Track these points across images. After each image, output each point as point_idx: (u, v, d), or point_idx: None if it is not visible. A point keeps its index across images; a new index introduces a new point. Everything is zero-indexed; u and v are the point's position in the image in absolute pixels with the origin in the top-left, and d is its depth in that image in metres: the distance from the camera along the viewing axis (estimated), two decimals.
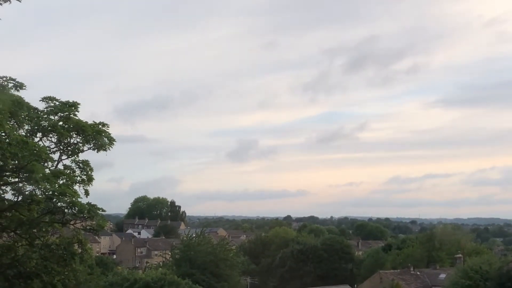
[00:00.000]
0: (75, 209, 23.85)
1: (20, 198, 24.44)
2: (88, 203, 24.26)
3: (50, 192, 22.87)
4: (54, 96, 26.15)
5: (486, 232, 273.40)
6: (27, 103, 24.83)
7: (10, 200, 24.81)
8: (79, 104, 26.20)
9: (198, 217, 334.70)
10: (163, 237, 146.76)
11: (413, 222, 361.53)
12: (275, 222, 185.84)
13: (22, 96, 24.11)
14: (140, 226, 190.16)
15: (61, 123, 25.80)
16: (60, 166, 25.50)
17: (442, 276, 68.67)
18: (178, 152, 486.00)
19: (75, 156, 26.06)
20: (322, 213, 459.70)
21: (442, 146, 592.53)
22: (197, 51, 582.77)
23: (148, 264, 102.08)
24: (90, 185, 25.40)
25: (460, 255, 74.60)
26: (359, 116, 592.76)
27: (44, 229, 25.49)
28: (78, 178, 25.23)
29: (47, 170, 23.55)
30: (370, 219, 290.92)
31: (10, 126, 22.43)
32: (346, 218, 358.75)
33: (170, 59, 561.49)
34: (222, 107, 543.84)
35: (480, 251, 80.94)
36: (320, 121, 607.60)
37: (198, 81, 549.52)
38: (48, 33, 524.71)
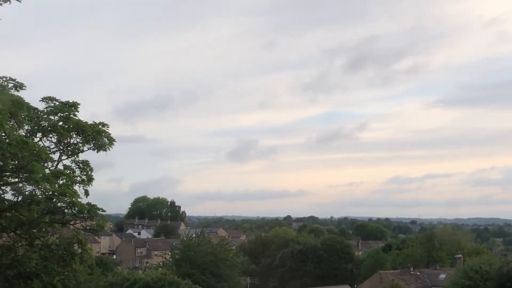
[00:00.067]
0: (75, 209, 23.84)
1: (20, 198, 24.43)
2: (88, 203, 24.26)
3: (50, 192, 22.86)
4: (54, 96, 26.18)
5: (486, 232, 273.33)
6: (27, 103, 24.82)
7: (10, 200, 24.80)
8: (79, 104, 26.22)
9: (198, 217, 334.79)
10: (163, 237, 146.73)
11: (413, 222, 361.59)
12: (275, 222, 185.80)
13: (22, 96, 24.13)
14: (140, 226, 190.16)
15: (61, 123, 25.80)
16: (60, 166, 25.53)
17: (442, 276, 68.66)
18: (178, 152, 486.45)
19: (75, 156, 26.06)
20: (322, 213, 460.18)
21: (442, 146, 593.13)
22: (197, 51, 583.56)
23: (148, 264, 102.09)
24: (90, 185, 25.43)
25: (460, 255, 74.58)
26: (359, 116, 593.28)
27: (44, 229, 25.49)
28: (78, 178, 25.23)
29: (47, 170, 23.54)
30: (370, 219, 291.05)
31: (10, 126, 22.43)
32: (346, 218, 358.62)
33: (170, 59, 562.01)
34: (222, 107, 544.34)
35: (480, 251, 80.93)
36: (320, 121, 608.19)
37: (198, 81, 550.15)
38: (48, 33, 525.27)
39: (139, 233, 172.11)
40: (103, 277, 52.82)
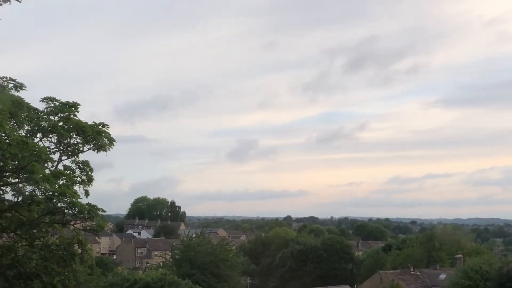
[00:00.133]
0: (75, 210, 23.84)
1: (20, 199, 24.43)
2: (88, 204, 24.26)
3: (50, 193, 22.86)
4: (54, 97, 26.18)
5: (486, 232, 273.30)
6: (27, 103, 24.83)
7: (10, 200, 24.81)
8: (79, 104, 26.22)
9: (198, 218, 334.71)
10: (163, 238, 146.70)
11: (413, 222, 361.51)
12: (275, 223, 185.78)
13: (22, 97, 24.16)
14: (140, 226, 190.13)
15: (61, 123, 25.80)
16: (60, 167, 25.53)
17: (442, 276, 68.66)
18: (178, 152, 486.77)
19: (75, 156, 26.07)
20: (322, 213, 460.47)
21: (442, 146, 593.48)
22: (197, 51, 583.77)
23: (148, 264, 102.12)
24: (90, 186, 25.42)
25: (460, 255, 74.57)
26: (359, 116, 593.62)
27: (44, 230, 25.49)
28: (78, 178, 25.23)
29: (47, 171, 23.55)
30: (370, 219, 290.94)
31: (10, 127, 22.44)
32: (346, 218, 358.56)
33: (170, 59, 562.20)
34: (222, 107, 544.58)
35: (480, 251, 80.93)
36: (320, 121, 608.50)
37: (198, 81, 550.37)
38: (48, 33, 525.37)
39: (139, 234, 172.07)
40: (103, 277, 52.82)
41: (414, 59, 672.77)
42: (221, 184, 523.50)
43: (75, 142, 26.16)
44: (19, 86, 23.92)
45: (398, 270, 73.62)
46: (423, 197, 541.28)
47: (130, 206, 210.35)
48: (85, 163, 25.83)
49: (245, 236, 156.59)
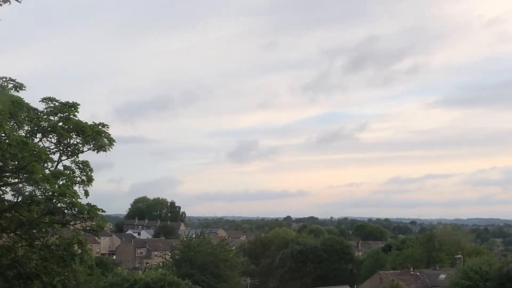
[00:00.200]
0: (75, 210, 23.86)
1: (20, 199, 24.44)
2: (88, 204, 24.27)
3: (50, 193, 22.87)
4: (53, 97, 26.18)
5: (486, 233, 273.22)
6: (27, 103, 24.84)
7: (10, 200, 24.81)
8: (78, 104, 26.21)
9: (198, 218, 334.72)
10: (163, 238, 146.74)
11: (413, 222, 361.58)
12: (275, 223, 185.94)
13: (22, 97, 24.18)
14: (140, 226, 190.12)
15: (61, 123, 25.79)
16: (60, 167, 25.52)
17: (442, 276, 68.66)
18: (178, 152, 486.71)
19: (75, 156, 26.07)
20: (322, 214, 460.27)
21: (442, 146, 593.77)
22: (197, 51, 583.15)
23: (148, 264, 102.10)
24: (90, 186, 25.42)
25: (460, 255, 74.56)
26: (359, 117, 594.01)
27: (44, 230, 25.49)
28: (78, 178, 25.23)
29: (47, 171, 23.56)
30: (370, 220, 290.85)
31: (10, 127, 22.44)
32: (346, 218, 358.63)
33: (170, 59, 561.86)
34: (222, 107, 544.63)
35: (480, 252, 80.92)
36: (320, 122, 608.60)
37: (198, 81, 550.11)
38: (48, 33, 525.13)
39: (139, 234, 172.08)
40: (103, 277, 52.82)
41: (414, 59, 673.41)
42: (221, 185, 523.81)
43: (75, 142, 26.16)
44: (19, 86, 23.94)
45: (398, 271, 73.62)
46: (423, 197, 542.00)
47: (130, 206, 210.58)
48: (85, 163, 25.83)
49: (245, 237, 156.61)
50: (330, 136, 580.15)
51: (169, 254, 74.71)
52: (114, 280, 48.22)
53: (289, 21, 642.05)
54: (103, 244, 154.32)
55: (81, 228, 26.09)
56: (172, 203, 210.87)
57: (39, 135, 25.68)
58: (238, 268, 70.25)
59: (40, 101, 25.88)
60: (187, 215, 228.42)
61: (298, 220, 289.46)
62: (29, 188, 23.66)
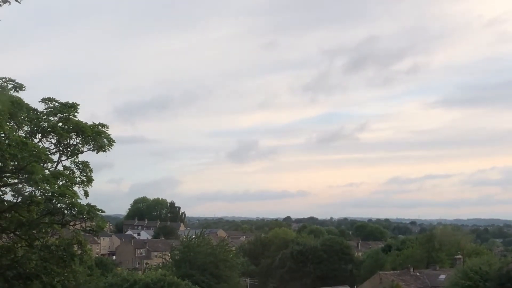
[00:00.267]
0: (74, 210, 23.84)
1: (19, 199, 24.42)
2: (88, 204, 24.24)
3: (50, 193, 22.86)
4: (53, 97, 26.16)
5: (485, 233, 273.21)
6: (27, 104, 24.83)
7: (10, 201, 24.79)
8: (78, 105, 26.19)
9: (198, 218, 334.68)
10: (163, 238, 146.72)
11: (413, 223, 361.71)
12: (275, 223, 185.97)
13: (21, 97, 24.16)
14: (139, 227, 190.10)
15: (60, 124, 25.77)
16: (60, 167, 25.50)
17: (442, 277, 68.65)
18: (178, 152, 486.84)
19: (75, 157, 26.04)
20: (321, 214, 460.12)
21: (442, 147, 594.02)
22: (197, 51, 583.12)
23: (147, 265, 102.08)
24: (90, 186, 25.40)
25: (459, 256, 74.53)
26: (359, 117, 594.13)
27: (43, 230, 25.46)
28: (78, 179, 25.21)
29: (47, 171, 23.55)
30: (369, 220, 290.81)
31: (9, 127, 22.43)
32: (345, 219, 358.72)
33: (170, 59, 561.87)
34: (222, 108, 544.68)
35: (479, 252, 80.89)
36: (320, 122, 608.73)
37: (198, 81, 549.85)
38: (48, 33, 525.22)
39: (138, 234, 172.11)
40: (103, 278, 52.88)
41: (414, 59, 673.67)
42: (221, 185, 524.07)
43: (75, 143, 26.14)
44: (19, 87, 23.92)
45: (398, 271, 73.58)
46: (423, 198, 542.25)
47: (129, 207, 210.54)
48: (85, 164, 25.81)
49: (244, 237, 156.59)
50: (330, 136, 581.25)
51: (169, 254, 74.69)
52: (114, 281, 48.21)
53: (289, 21, 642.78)
54: (103, 245, 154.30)
55: (81, 228, 26.07)
56: (172, 204, 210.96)
57: (38, 136, 25.67)
58: (238, 268, 70.25)
59: (39, 102, 25.89)
60: (187, 215, 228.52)
61: (298, 221, 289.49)
62: (28, 189, 23.66)
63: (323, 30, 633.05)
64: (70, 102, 26.14)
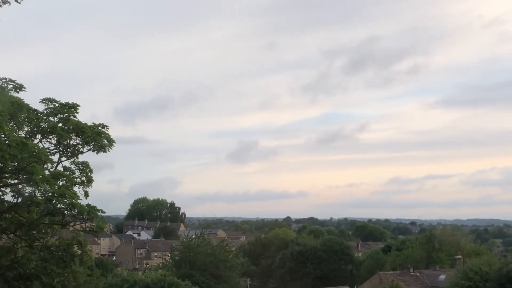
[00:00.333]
0: (74, 211, 23.82)
1: (19, 200, 24.41)
2: (88, 205, 24.22)
3: (50, 194, 22.84)
4: (53, 98, 26.13)
5: (485, 233, 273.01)
6: (27, 104, 24.82)
7: (10, 201, 24.78)
8: (78, 105, 26.16)
9: (198, 219, 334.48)
10: (163, 239, 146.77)
11: (413, 223, 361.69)
12: (275, 223, 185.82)
13: (21, 98, 24.15)
14: (139, 227, 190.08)
15: (60, 124, 25.73)
16: (60, 168, 25.46)
17: (442, 277, 68.64)
18: (178, 153, 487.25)
19: (75, 157, 26.01)
20: (321, 214, 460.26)
21: (442, 147, 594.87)
22: (197, 52, 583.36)
23: (147, 265, 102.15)
24: (90, 187, 25.35)
25: (459, 256, 74.52)
26: (359, 117, 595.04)
27: (43, 231, 25.45)
28: (78, 179, 25.18)
29: (47, 172, 23.53)
30: (369, 220, 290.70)
31: (9, 128, 22.41)
32: (345, 219, 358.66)
33: (170, 59, 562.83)
34: (222, 108, 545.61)
35: (479, 252, 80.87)
36: (320, 122, 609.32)
37: (198, 82, 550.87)
38: (48, 34, 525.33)
39: (138, 235, 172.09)
40: (103, 278, 52.75)
41: (414, 59, 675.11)
42: (221, 185, 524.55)
43: (75, 143, 26.10)
44: (19, 87, 23.93)
45: (398, 271, 73.59)
46: (423, 198, 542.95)
47: (129, 207, 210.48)
48: (85, 164, 25.78)
49: (244, 237, 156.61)
50: (330, 137, 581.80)
51: (169, 255, 74.70)
52: (114, 281, 48.24)
53: (289, 22, 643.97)
54: (103, 245, 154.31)
55: (81, 229, 26.06)
56: (172, 204, 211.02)
57: (38, 136, 25.65)
58: (238, 268, 70.26)
59: (39, 102, 25.86)
60: (187, 215, 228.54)
61: (298, 221, 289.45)
62: (28, 189, 23.65)
63: (323, 31, 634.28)
64: (70, 102, 26.11)
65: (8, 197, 24.73)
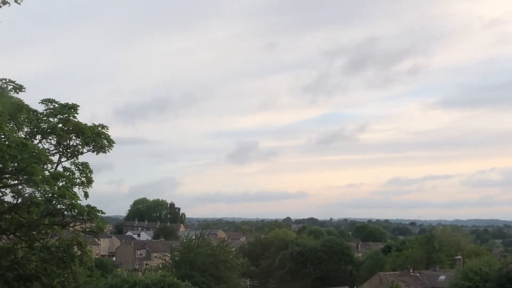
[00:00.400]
0: (74, 211, 23.83)
1: (19, 200, 24.41)
2: (88, 205, 24.23)
3: (50, 194, 22.85)
4: (53, 98, 26.15)
5: (485, 234, 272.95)
6: (27, 105, 24.84)
7: (10, 202, 24.79)
8: (78, 106, 26.17)
9: (198, 219, 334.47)
10: (163, 239, 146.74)
11: (413, 223, 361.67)
12: (275, 224, 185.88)
13: (21, 99, 24.17)
14: (139, 228, 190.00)
15: (60, 125, 25.75)
16: (60, 168, 25.46)
17: (442, 277, 68.65)
18: (178, 153, 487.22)
19: (75, 158, 26.02)
20: (321, 215, 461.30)
21: (442, 147, 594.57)
22: (197, 52, 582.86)
23: (147, 266, 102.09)
24: (90, 187, 25.36)
25: (459, 256, 74.55)
26: (359, 117, 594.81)
27: (43, 231, 25.46)
28: (78, 180, 25.18)
29: (47, 172, 23.54)
30: (369, 221, 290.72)
31: (9, 128, 22.42)
32: (345, 219, 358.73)
33: (170, 60, 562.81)
34: (222, 109, 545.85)
35: (479, 253, 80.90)
36: (320, 123, 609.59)
37: (199, 83, 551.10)
38: (48, 34, 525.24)
39: (138, 235, 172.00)
40: (103, 279, 52.73)
41: (414, 60, 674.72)
42: (221, 186, 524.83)
43: (75, 144, 26.11)
44: (19, 88, 23.95)
45: (398, 272, 73.59)
46: (423, 198, 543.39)
47: (129, 208, 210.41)
48: (85, 165, 25.78)
49: (244, 238, 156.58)
50: (330, 137, 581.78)
51: (169, 255, 74.67)
52: (114, 282, 48.24)
53: (289, 22, 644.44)
54: (103, 246, 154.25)
55: (81, 229, 26.07)
56: (172, 205, 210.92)
57: (38, 137, 25.66)
58: (238, 269, 70.22)
59: (39, 103, 25.89)
60: (186, 216, 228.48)
61: (298, 221, 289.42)
62: (28, 190, 23.64)
63: (323, 31, 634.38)
64: (70, 103, 26.13)
65: (8, 198, 24.78)
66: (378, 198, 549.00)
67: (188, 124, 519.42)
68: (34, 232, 25.17)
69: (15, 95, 23.81)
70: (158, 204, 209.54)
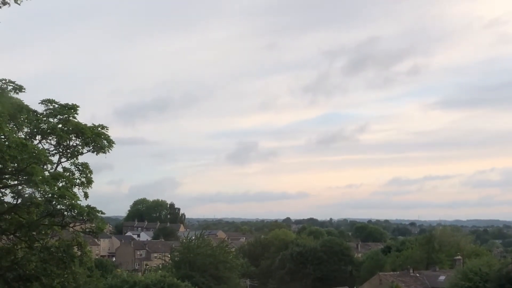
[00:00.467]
0: (74, 212, 23.84)
1: (19, 201, 24.42)
2: (88, 206, 24.24)
3: (50, 195, 22.86)
4: (53, 99, 26.16)
5: (485, 234, 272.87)
6: (27, 105, 24.85)
7: (10, 202, 24.79)
8: (78, 106, 26.18)
9: (198, 220, 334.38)
10: (163, 240, 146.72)
11: (413, 224, 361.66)
12: (275, 224, 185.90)
13: (21, 99, 24.16)
14: (139, 228, 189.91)
15: (60, 125, 25.75)
16: (60, 169, 25.47)
17: (442, 278, 68.66)
18: (178, 154, 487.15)
19: (75, 158, 26.02)
20: (321, 215, 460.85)
21: (442, 148, 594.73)
22: (197, 53, 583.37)
23: (147, 266, 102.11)
24: (90, 188, 25.35)
25: (459, 257, 74.55)
26: (359, 118, 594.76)
27: (43, 232, 25.45)
28: (78, 180, 25.18)
29: (47, 173, 23.54)
30: (369, 221, 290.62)
31: (9, 129, 22.42)
32: (345, 220, 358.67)
33: (170, 60, 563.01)
34: (222, 109, 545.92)
35: (479, 253, 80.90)
36: (320, 123, 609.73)
37: (199, 83, 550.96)
38: (48, 35, 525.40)
39: (138, 235, 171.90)
40: (103, 279, 52.75)
41: (414, 60, 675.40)
42: (220, 186, 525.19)
43: (75, 144, 26.11)
44: (19, 89, 23.95)
45: (398, 272, 73.59)
46: (423, 199, 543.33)
47: (129, 208, 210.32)
48: (85, 165, 25.78)
49: (244, 238, 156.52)
50: (330, 138, 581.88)
51: (169, 256, 74.70)
52: (113, 282, 48.24)
53: (289, 22, 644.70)
54: (103, 246, 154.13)
55: (81, 230, 26.07)
56: (172, 205, 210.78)
57: (38, 137, 25.66)
58: (238, 269, 70.22)
59: (39, 103, 25.89)
60: (186, 216, 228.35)
61: (298, 222, 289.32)
62: (28, 190, 23.66)
63: (323, 31, 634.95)
64: (70, 103, 26.14)
65: (8, 198, 24.79)
66: (378, 198, 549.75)
67: (188, 124, 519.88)
68: (34, 233, 25.17)
69: (15, 95, 23.83)
70: (158, 205, 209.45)
